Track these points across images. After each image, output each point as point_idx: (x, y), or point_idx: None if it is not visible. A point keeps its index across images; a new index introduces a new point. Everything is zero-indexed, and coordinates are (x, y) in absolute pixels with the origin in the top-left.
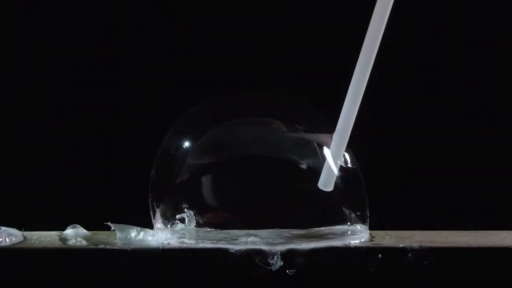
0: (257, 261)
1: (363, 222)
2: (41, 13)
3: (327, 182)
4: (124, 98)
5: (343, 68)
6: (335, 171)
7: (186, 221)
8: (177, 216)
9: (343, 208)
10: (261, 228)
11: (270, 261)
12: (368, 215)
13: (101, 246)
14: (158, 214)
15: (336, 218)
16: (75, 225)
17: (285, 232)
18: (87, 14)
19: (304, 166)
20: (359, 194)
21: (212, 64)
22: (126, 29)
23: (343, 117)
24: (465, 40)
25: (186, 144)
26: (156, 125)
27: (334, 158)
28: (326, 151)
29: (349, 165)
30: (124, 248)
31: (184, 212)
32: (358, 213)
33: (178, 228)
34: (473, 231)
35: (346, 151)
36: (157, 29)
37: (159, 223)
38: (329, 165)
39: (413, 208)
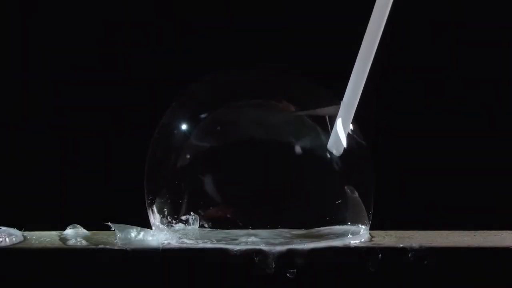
0: (257, 261)
1: (368, 210)
2: (41, 13)
3: (336, 143)
4: (124, 98)
5: (343, 68)
6: (344, 135)
7: (190, 222)
8: (183, 218)
9: (346, 188)
10: (265, 223)
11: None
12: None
13: (101, 246)
14: (154, 209)
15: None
16: (75, 225)
17: (285, 232)
18: (87, 14)
19: (311, 158)
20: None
21: (212, 64)
22: (126, 29)
23: (351, 85)
24: (467, 39)
25: (186, 127)
26: (157, 125)
27: (343, 124)
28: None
29: (357, 137)
30: (124, 248)
31: (190, 214)
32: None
33: (178, 228)
34: (473, 231)
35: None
36: (157, 29)
37: (156, 219)
38: (337, 130)
39: (413, 208)
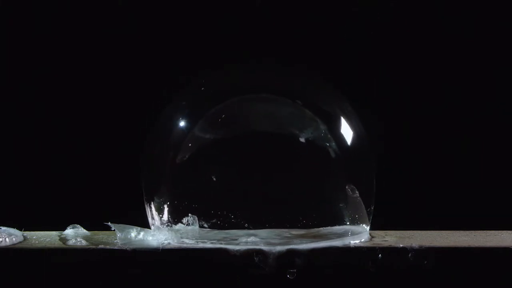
0: (257, 261)
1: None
2: (41, 13)
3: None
4: (125, 97)
5: (342, 67)
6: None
7: (190, 222)
8: (184, 221)
9: (347, 187)
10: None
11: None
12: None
13: (101, 246)
14: (154, 209)
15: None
16: (75, 225)
17: (285, 232)
18: (82, 10)
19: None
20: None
21: (211, 60)
22: (122, 23)
23: None
24: (469, 41)
25: (186, 122)
26: (156, 123)
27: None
28: None
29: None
30: (124, 248)
31: (188, 216)
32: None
33: (177, 228)
34: (473, 231)
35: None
36: (155, 22)
37: (156, 219)
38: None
39: (413, 208)
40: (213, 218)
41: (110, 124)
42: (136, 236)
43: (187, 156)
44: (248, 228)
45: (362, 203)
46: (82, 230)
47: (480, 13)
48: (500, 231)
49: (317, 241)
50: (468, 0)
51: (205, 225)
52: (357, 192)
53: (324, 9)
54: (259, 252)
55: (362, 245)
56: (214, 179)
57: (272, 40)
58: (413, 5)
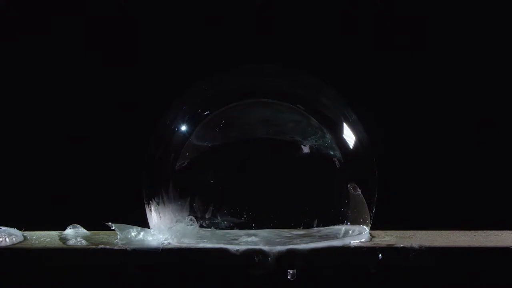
0: (257, 261)
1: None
2: (41, 13)
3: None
4: (124, 98)
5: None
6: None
7: (190, 222)
8: (184, 221)
9: (348, 186)
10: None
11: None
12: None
13: (101, 246)
14: (153, 208)
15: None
16: (75, 225)
17: (285, 232)
18: (85, 12)
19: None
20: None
21: (213, 63)
22: (125, 26)
23: None
24: (468, 41)
25: (187, 125)
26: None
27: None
28: None
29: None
30: (124, 248)
31: (188, 216)
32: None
33: (178, 228)
34: (473, 231)
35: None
36: (158, 26)
37: (156, 219)
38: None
39: (413, 208)
40: (214, 218)
41: (110, 125)
42: (136, 236)
43: (188, 157)
44: (251, 228)
45: (365, 205)
46: (82, 230)
47: (480, 13)
48: (500, 231)
49: (317, 241)
50: (468, 0)
51: (205, 225)
52: (359, 190)
53: (324, 9)
54: (259, 252)
55: (362, 245)
56: (215, 180)
57: (272, 41)
58: (413, 5)
